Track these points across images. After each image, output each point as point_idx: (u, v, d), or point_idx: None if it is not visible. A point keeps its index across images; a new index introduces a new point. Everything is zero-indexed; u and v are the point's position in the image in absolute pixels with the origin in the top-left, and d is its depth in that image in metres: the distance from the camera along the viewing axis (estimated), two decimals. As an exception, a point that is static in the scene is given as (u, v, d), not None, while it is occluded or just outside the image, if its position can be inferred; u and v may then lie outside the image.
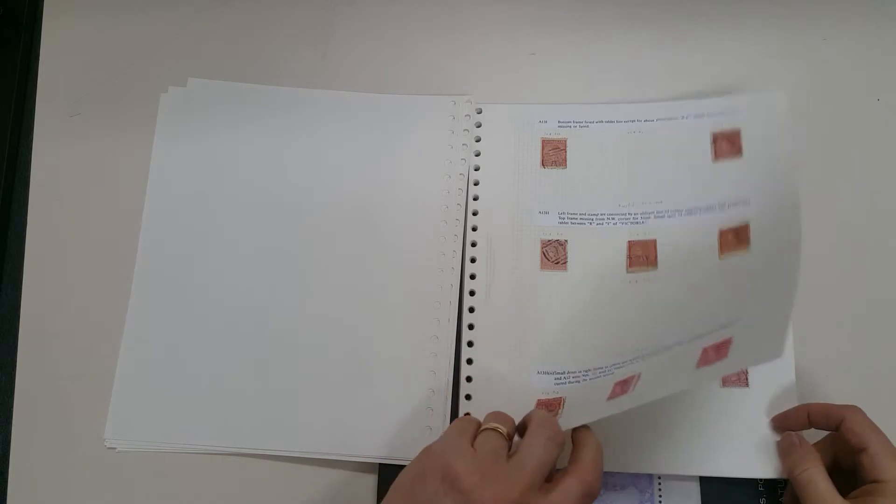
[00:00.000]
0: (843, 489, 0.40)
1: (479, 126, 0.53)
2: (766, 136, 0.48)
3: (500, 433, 0.37)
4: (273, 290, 0.49)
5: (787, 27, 0.57)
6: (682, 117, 0.51)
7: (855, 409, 0.41)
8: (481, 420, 0.40)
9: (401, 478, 0.37)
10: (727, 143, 0.49)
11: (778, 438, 0.45)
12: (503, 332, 0.48)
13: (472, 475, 0.34)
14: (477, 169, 0.52)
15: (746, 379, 0.46)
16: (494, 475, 0.35)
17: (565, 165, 0.51)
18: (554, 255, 0.49)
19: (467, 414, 0.46)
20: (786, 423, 0.45)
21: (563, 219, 0.50)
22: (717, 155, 0.49)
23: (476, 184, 0.51)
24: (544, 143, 0.51)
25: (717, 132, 0.50)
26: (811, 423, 0.43)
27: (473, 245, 0.50)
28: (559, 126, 0.52)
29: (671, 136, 0.51)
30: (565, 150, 0.51)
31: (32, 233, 0.52)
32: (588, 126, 0.52)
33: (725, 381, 0.46)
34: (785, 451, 0.43)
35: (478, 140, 0.53)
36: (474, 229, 0.50)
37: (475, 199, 0.51)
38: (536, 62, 0.56)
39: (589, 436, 0.39)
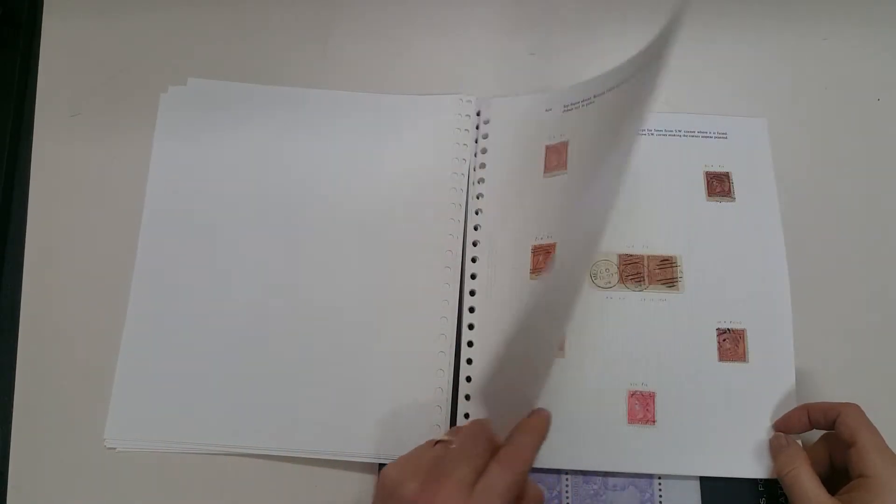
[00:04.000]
0: (837, 489, 0.40)
1: (479, 127, 0.53)
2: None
3: (441, 446, 0.37)
4: (273, 290, 0.49)
5: (787, 27, 0.57)
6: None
7: (852, 405, 0.42)
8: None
9: None
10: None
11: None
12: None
13: (401, 483, 0.35)
14: (479, 168, 0.52)
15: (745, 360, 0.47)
16: (421, 478, 0.35)
17: (566, 168, 0.51)
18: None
19: (466, 415, 0.46)
20: (788, 425, 0.45)
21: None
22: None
23: (478, 182, 0.51)
24: (548, 149, 0.51)
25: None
26: (811, 423, 0.43)
27: (475, 245, 0.50)
28: (564, 111, 0.52)
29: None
30: (566, 152, 0.51)
31: (32, 233, 0.52)
32: (592, 102, 0.51)
33: (722, 357, 0.47)
34: (774, 453, 0.44)
35: (479, 140, 0.53)
36: (475, 229, 0.50)
37: (477, 197, 0.51)
38: (536, 62, 0.56)
39: (530, 421, 0.38)
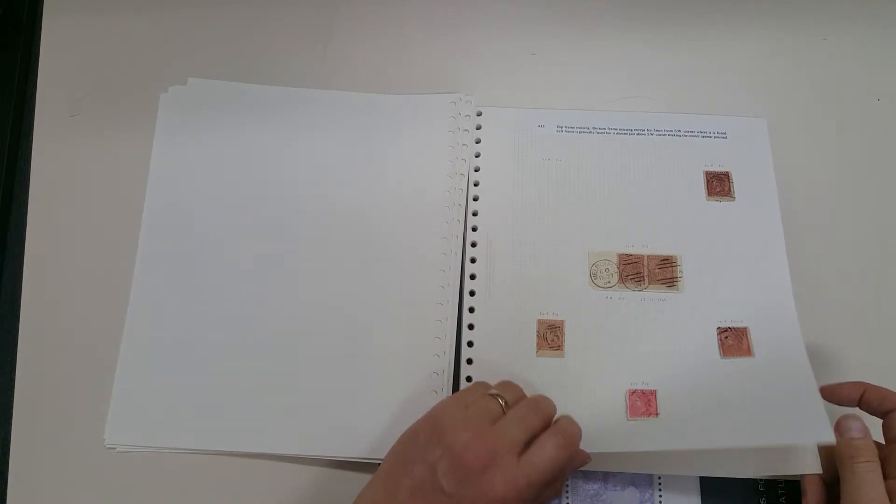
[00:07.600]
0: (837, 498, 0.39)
1: (479, 128, 0.53)
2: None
3: (497, 400, 0.39)
4: (273, 290, 0.49)
5: (787, 27, 0.57)
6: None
7: None
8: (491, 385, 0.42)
9: (395, 442, 0.40)
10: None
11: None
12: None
13: (455, 428, 0.37)
14: (477, 170, 0.52)
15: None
16: (476, 430, 0.37)
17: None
18: None
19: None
20: (835, 395, 0.43)
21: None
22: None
23: (476, 184, 0.52)
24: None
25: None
26: (861, 403, 0.42)
27: (473, 245, 0.50)
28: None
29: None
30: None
31: (32, 233, 0.52)
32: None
33: (726, 353, 0.47)
34: (847, 433, 0.40)
35: (478, 141, 0.53)
36: (474, 229, 0.50)
37: (475, 199, 0.51)
38: (536, 62, 0.56)
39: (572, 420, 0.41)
